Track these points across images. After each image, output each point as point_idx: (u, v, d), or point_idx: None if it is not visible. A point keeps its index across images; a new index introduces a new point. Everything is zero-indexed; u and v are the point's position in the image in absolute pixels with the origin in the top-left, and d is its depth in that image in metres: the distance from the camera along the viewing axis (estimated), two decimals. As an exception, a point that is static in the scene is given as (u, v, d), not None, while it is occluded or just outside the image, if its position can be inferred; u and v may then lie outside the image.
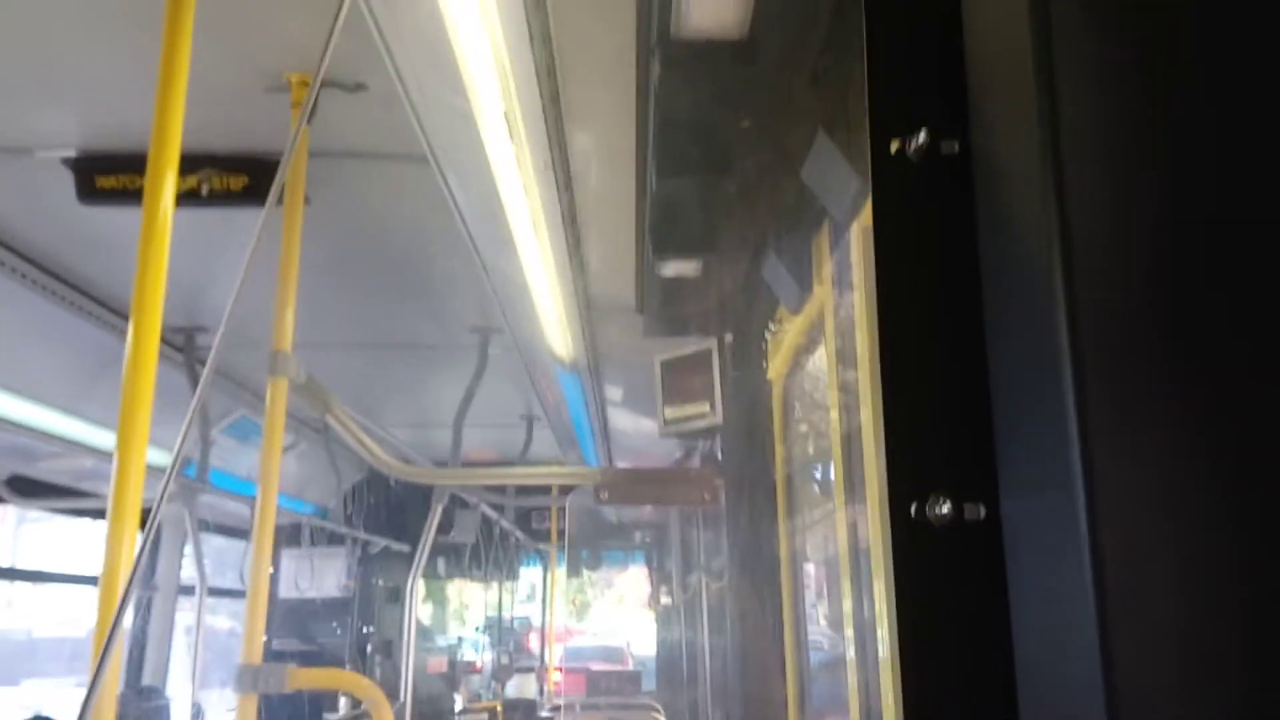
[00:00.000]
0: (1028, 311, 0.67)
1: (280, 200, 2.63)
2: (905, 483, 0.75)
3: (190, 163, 2.95)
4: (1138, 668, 0.57)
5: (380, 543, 7.90)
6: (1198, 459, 0.61)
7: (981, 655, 0.71)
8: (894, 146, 0.78)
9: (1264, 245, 0.63)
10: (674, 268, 2.55)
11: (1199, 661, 0.57)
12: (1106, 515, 0.59)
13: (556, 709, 7.39)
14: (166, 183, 1.80)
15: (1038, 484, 0.66)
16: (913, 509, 0.74)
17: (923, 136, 0.77)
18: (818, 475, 2.46)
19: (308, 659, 7.18)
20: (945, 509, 0.73)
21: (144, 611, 5.73)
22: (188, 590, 5.75)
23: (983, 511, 0.73)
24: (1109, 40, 0.68)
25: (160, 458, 5.09)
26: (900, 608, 0.74)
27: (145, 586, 5.67)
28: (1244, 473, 0.60)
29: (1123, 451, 0.60)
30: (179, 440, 1.11)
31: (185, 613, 5.68)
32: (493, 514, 7.66)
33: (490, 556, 8.48)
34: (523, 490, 7.27)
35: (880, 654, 1.67)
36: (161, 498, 1.02)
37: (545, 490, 7.37)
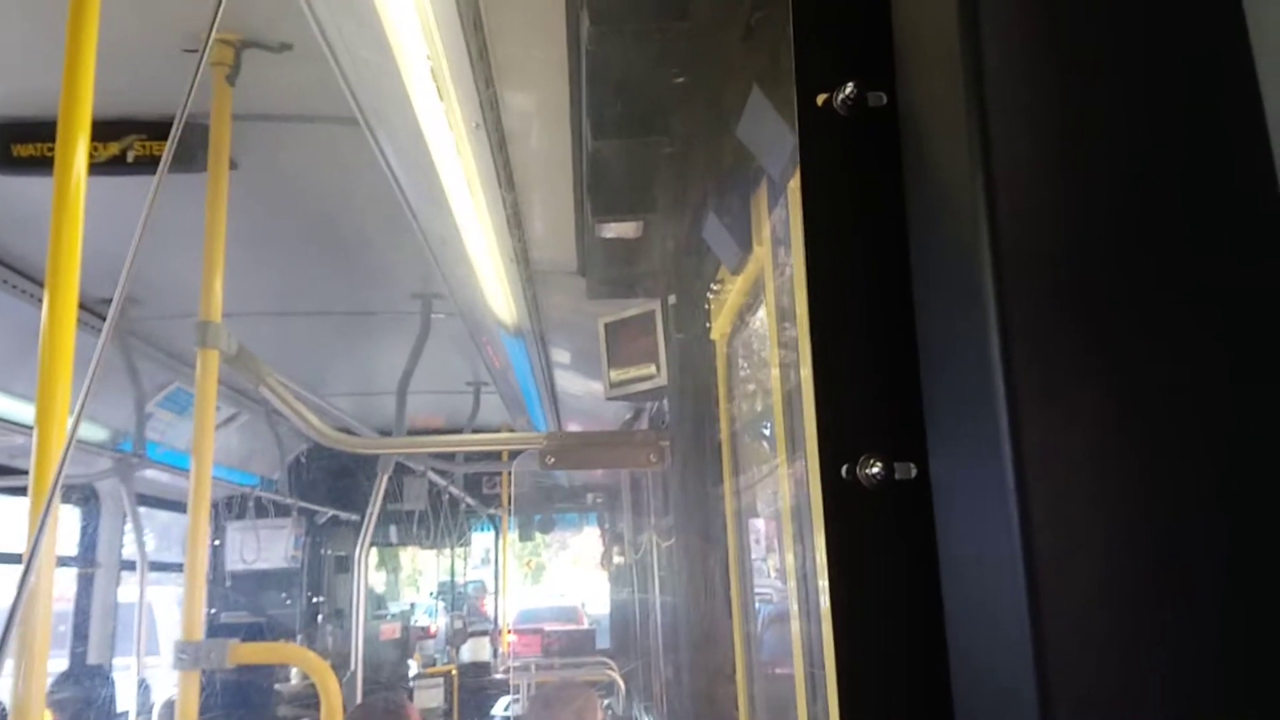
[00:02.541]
0: (954, 268, 0.66)
1: (204, 166, 2.55)
2: (835, 445, 0.74)
3: (113, 129, 2.85)
4: (1064, 623, 0.57)
5: (328, 512, 7.82)
6: (1123, 417, 0.60)
7: (914, 612, 0.71)
8: (820, 99, 0.76)
9: (1190, 200, 0.63)
10: (614, 229, 2.52)
11: (1125, 617, 0.57)
12: (1033, 473, 0.58)
13: (513, 670, 7.42)
14: (78, 149, 1.72)
15: (965, 443, 0.65)
16: (844, 470, 0.73)
17: (849, 89, 0.75)
18: (761, 434, 2.47)
19: (257, 631, 7.12)
20: (876, 469, 0.72)
21: (87, 589, 5.62)
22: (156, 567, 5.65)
23: (913, 471, 0.72)
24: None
25: (95, 432, 4.98)
26: (832, 568, 0.74)
27: (85, 563, 5.55)
28: (1169, 431, 0.60)
29: (1049, 410, 0.60)
30: (78, 408, 1.07)
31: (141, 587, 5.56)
32: (441, 481, 7.62)
33: (441, 523, 8.45)
34: (472, 456, 7.24)
35: (823, 605, 1.69)
36: (60, 468, 0.98)
37: (495, 456, 7.35)
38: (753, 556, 2.59)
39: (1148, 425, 0.59)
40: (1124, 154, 0.63)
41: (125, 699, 4.75)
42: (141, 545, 4.97)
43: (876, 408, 0.74)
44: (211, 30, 0.99)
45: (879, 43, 0.76)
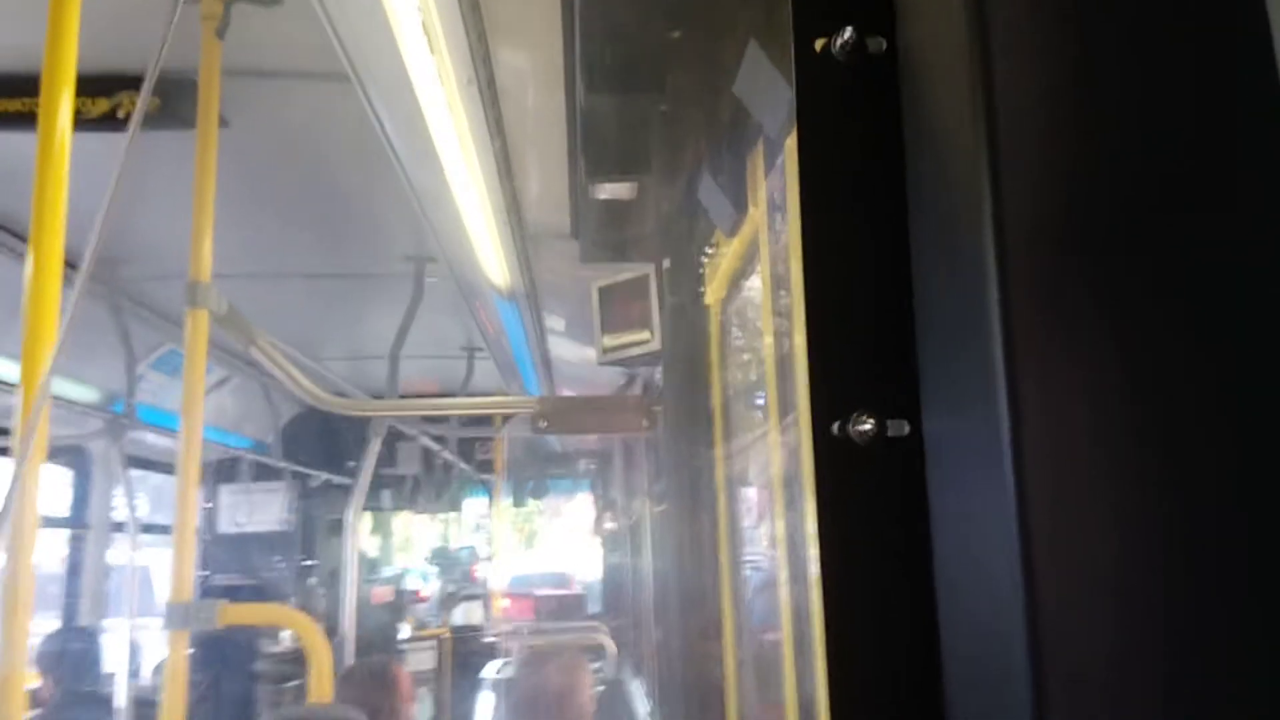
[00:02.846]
0: (952, 222, 0.64)
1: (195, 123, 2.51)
2: (827, 400, 0.72)
3: (103, 84, 2.80)
4: (1057, 584, 0.56)
5: (321, 476, 7.82)
6: (1125, 377, 0.58)
7: (904, 571, 0.70)
8: (819, 45, 0.74)
9: (1204, 153, 0.61)
10: (608, 190, 2.49)
11: (1120, 581, 0.56)
12: (1029, 433, 0.57)
13: (504, 634, 7.46)
14: (62, 104, 1.69)
15: (960, 401, 0.64)
16: (835, 427, 0.72)
17: (848, 33, 0.72)
18: (753, 399, 2.46)
19: (251, 593, 7.14)
20: (868, 426, 0.70)
21: (79, 550, 5.62)
22: (149, 529, 5.65)
23: (906, 428, 0.71)
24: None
25: (86, 393, 4.96)
26: (822, 525, 0.72)
27: (76, 525, 5.55)
28: (1171, 394, 0.58)
29: (1048, 368, 0.58)
30: (50, 364, 1.05)
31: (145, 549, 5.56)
32: (434, 446, 7.62)
33: (434, 488, 8.46)
34: (466, 421, 7.23)
35: (812, 572, 1.68)
36: (34, 423, 0.96)
37: (488, 421, 7.34)
38: (743, 522, 2.59)
39: (1152, 391, 0.58)
40: (1136, 105, 0.61)
41: (116, 659, 4.77)
42: (132, 507, 4.96)
43: (870, 363, 0.72)
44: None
45: (879, -14, 0.74)
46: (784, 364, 1.91)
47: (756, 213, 1.98)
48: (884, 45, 0.72)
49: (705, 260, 2.62)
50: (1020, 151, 0.61)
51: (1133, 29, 0.62)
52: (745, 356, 2.63)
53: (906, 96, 0.71)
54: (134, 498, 4.93)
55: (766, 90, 1.40)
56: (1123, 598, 0.56)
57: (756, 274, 2.21)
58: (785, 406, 1.92)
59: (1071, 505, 0.56)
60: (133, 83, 2.79)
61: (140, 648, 4.87)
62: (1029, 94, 0.62)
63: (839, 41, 0.72)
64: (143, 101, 1.08)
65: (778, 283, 1.96)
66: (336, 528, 8.02)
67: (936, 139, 0.68)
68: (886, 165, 0.72)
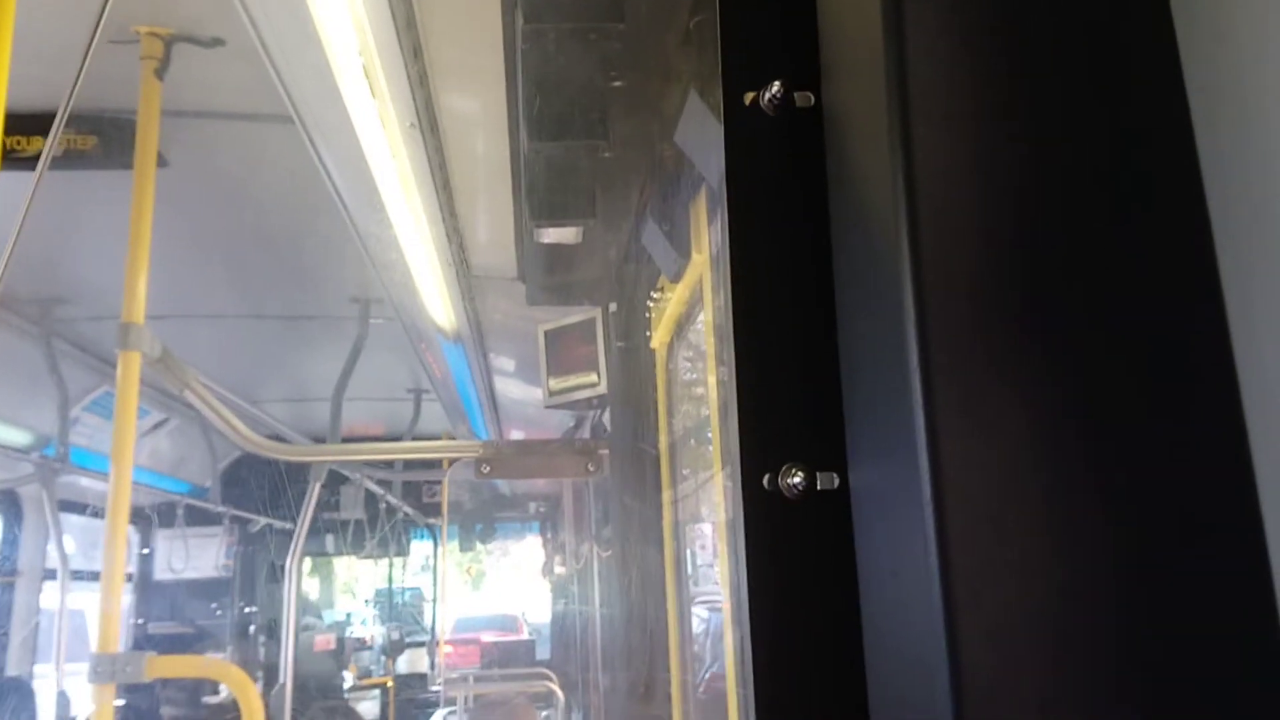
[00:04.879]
0: (874, 275, 0.65)
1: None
2: (758, 454, 0.72)
3: (40, 122, 2.75)
4: (977, 636, 0.56)
5: (261, 521, 7.64)
6: (1038, 430, 0.59)
7: (832, 623, 0.70)
8: (748, 98, 0.75)
9: (1110, 207, 0.62)
10: (553, 234, 2.48)
11: (1036, 630, 0.56)
12: (949, 486, 0.57)
13: (449, 682, 7.30)
14: (-11, 139, 1.64)
15: (884, 454, 0.64)
16: (765, 480, 0.71)
17: (776, 88, 0.73)
18: (699, 444, 2.45)
19: (187, 642, 6.93)
20: (798, 479, 0.70)
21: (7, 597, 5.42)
22: (79, 575, 5.46)
23: (836, 481, 0.71)
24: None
25: (17, 436, 4.81)
26: (752, 578, 0.72)
27: (5, 571, 5.36)
28: (1084, 445, 0.59)
29: (966, 422, 0.58)
30: None
31: (79, 595, 5.36)
32: (378, 490, 7.50)
33: (378, 532, 8.30)
34: (412, 464, 7.14)
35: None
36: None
37: (435, 464, 7.25)
38: (690, 567, 2.57)
39: (1062, 438, 0.58)
40: (1045, 161, 0.62)
41: (46, 709, 4.59)
42: (62, 552, 4.81)
43: (801, 416, 0.73)
44: (101, 17, 0.94)
45: (806, 43, 0.75)
46: (728, 408, 1.92)
47: (700, 258, 1.99)
48: (811, 100, 0.73)
49: (651, 305, 2.63)
50: (937, 207, 0.62)
51: (1049, 88, 0.64)
52: (691, 397, 2.64)
53: (832, 149, 0.72)
54: (62, 543, 4.77)
55: (706, 140, 1.42)
56: (1040, 648, 0.56)
57: (701, 318, 2.22)
58: (730, 450, 1.92)
59: (989, 559, 0.56)
60: (69, 121, 2.75)
61: (70, 698, 4.70)
62: (945, 148, 0.63)
63: (768, 95, 0.73)
64: (52, 137, 1.05)
65: (721, 327, 1.96)
66: (277, 574, 7.84)
67: (859, 192, 0.69)
68: (813, 216, 0.73)
